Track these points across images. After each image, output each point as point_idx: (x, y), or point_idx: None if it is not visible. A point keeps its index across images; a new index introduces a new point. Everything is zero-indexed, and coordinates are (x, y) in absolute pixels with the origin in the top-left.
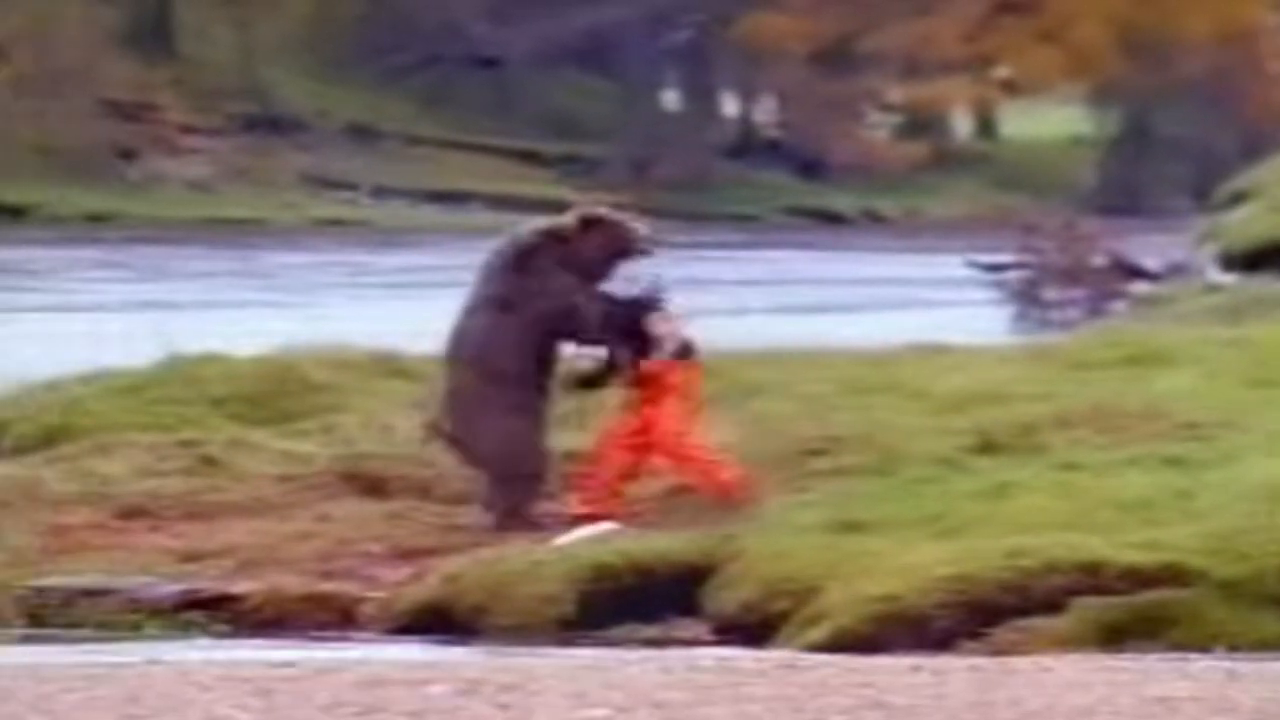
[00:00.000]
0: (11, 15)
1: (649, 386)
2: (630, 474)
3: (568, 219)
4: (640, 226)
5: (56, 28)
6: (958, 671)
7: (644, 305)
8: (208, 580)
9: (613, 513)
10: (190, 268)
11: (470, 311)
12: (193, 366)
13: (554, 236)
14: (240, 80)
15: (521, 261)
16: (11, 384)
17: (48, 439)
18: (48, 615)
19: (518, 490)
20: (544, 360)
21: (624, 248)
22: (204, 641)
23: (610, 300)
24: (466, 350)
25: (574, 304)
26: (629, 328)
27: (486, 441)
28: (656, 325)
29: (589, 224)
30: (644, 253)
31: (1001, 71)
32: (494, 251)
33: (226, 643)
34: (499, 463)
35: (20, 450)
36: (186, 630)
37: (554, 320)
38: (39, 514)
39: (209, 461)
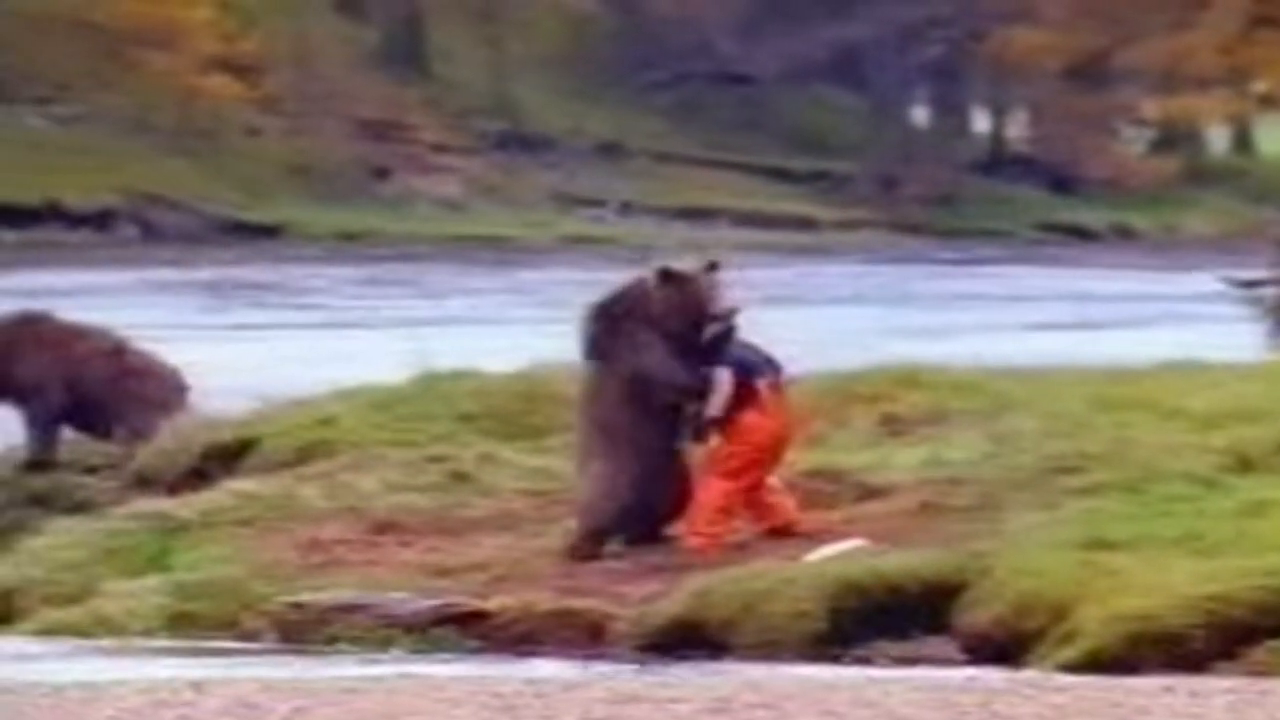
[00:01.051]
0: (268, 37)
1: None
2: (731, 503)
3: (649, 275)
4: (723, 296)
5: (312, 49)
6: (1213, 693)
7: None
8: (459, 596)
9: (719, 542)
10: (442, 285)
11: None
12: (444, 383)
13: (638, 292)
14: (491, 99)
15: (606, 315)
16: (266, 400)
17: (302, 455)
18: (301, 631)
19: (587, 538)
20: (643, 414)
21: (698, 311)
22: (455, 657)
23: (689, 357)
24: (579, 399)
25: (642, 363)
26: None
27: (583, 488)
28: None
29: (667, 281)
30: (721, 320)
31: (1259, 85)
32: (592, 304)
33: (478, 658)
34: (582, 511)
35: (275, 466)
36: (438, 646)
37: (631, 378)
38: (293, 529)
39: (460, 477)
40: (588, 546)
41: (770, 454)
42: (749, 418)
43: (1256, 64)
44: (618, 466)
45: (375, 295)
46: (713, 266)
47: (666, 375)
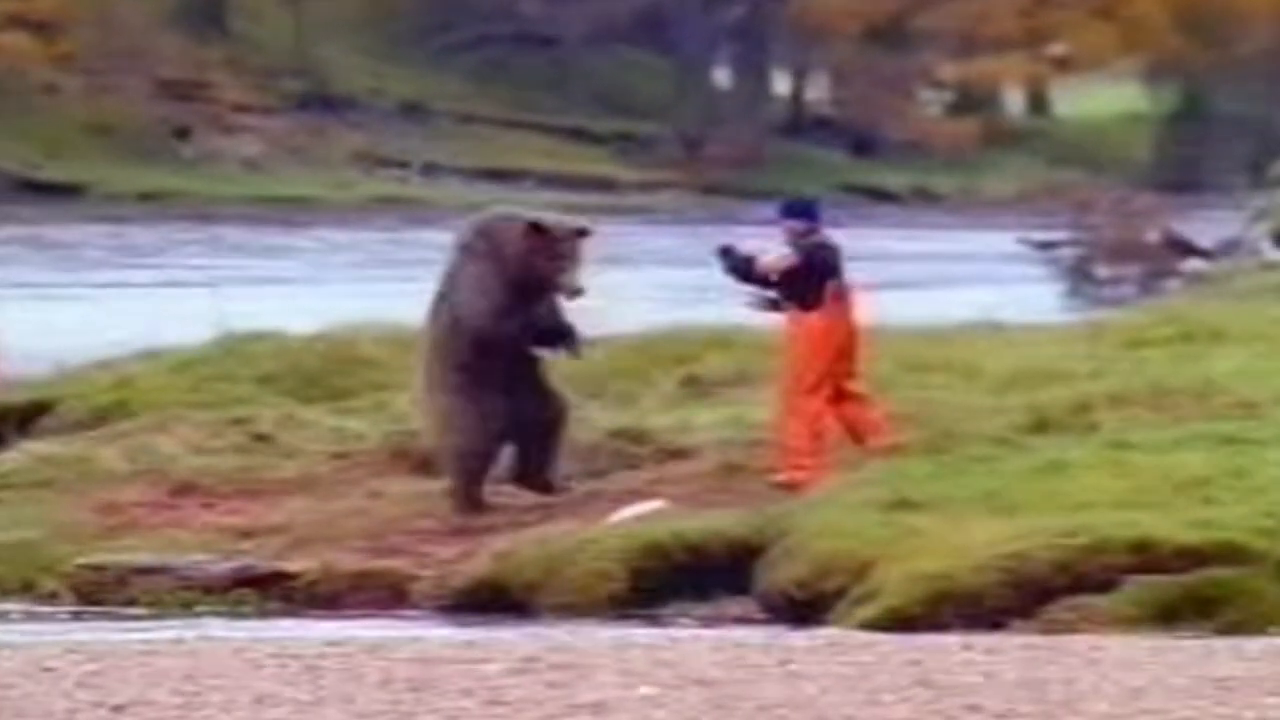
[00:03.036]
0: None
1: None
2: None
3: (519, 219)
4: (577, 268)
5: (112, 7)
6: (1010, 650)
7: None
8: (260, 558)
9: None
10: (244, 246)
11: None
12: (246, 344)
13: (502, 234)
14: (293, 59)
15: (463, 242)
16: (64, 363)
17: (101, 417)
18: (100, 593)
19: (458, 473)
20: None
21: (547, 274)
22: (256, 619)
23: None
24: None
25: (466, 302)
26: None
27: (429, 421)
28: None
29: (534, 233)
30: (565, 294)
31: (1056, 48)
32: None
33: (279, 620)
34: (434, 443)
35: (72, 428)
36: (239, 608)
37: (461, 314)
38: (92, 491)
39: (261, 439)
40: (465, 484)
41: (839, 360)
42: (814, 321)
43: (1053, 27)
44: (460, 399)
45: (176, 256)
46: (581, 233)
47: (482, 321)
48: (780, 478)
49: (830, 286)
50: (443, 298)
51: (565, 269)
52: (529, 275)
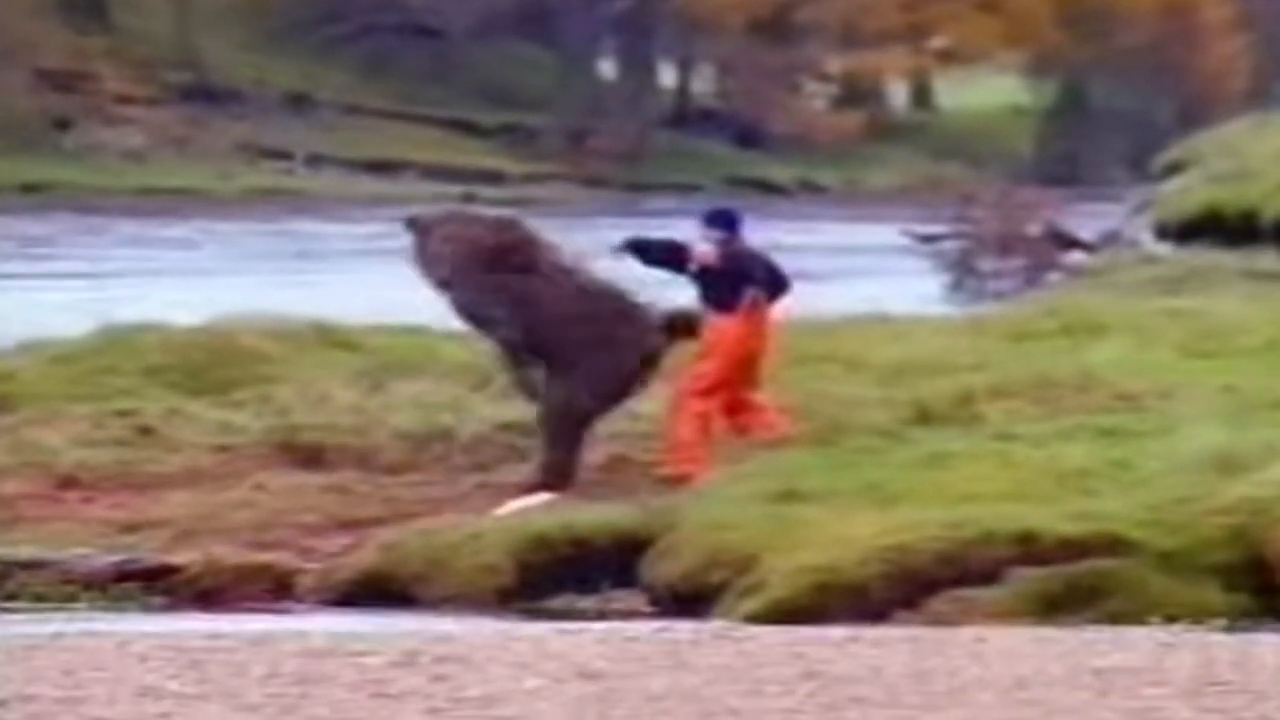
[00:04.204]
0: None
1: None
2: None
3: (484, 220)
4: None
5: None
6: (894, 642)
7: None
8: (144, 552)
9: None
10: (127, 237)
11: None
12: (129, 336)
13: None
14: (176, 50)
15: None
16: None
17: None
18: None
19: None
20: None
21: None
22: (140, 614)
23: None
24: None
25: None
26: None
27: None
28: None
29: (502, 234)
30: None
31: (938, 41)
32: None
33: (163, 615)
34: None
35: None
36: (123, 602)
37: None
38: None
39: (145, 431)
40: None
41: (744, 368)
42: (728, 327)
43: (935, 20)
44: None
45: (58, 248)
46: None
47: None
48: (667, 471)
49: (748, 294)
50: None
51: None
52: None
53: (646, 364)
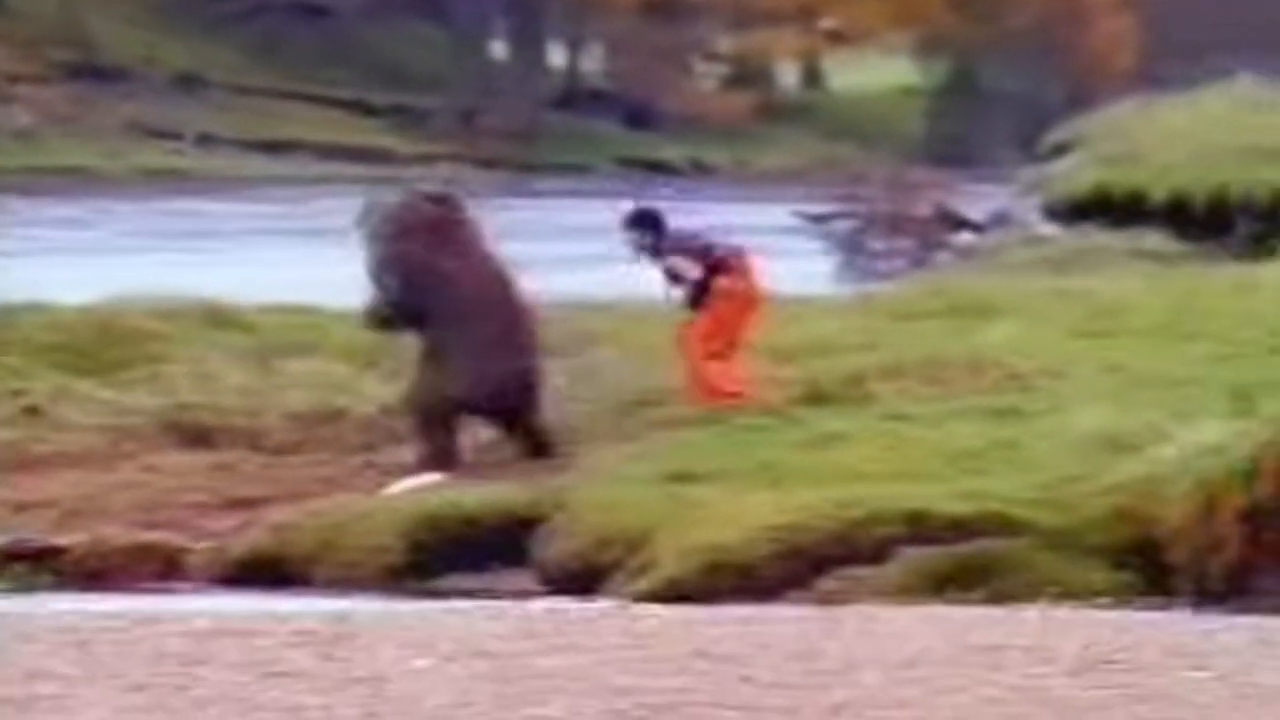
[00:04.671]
0: None
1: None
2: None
3: (430, 193)
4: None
5: None
6: (783, 621)
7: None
8: (31, 532)
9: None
10: (13, 216)
11: None
12: (17, 315)
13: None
14: (63, 28)
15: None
16: None
17: None
18: None
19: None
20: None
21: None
22: (27, 595)
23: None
24: None
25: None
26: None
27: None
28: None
29: (436, 203)
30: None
31: (828, 22)
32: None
33: (50, 595)
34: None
35: None
36: (11, 583)
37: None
38: None
39: (33, 412)
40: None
41: (745, 319)
42: (725, 282)
43: (826, 1)
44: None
45: None
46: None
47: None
48: (703, 402)
49: (717, 285)
50: None
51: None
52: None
53: (528, 376)
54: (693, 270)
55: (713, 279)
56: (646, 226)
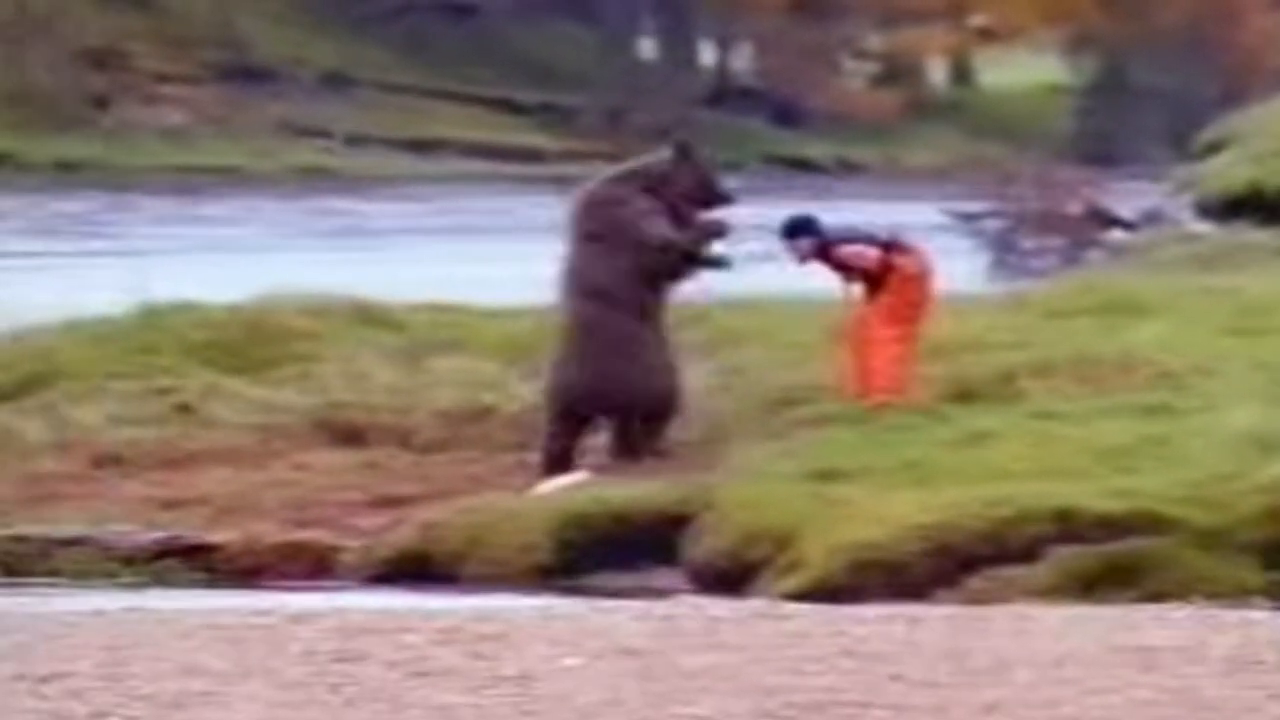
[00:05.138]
0: None
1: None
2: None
3: (659, 156)
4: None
5: None
6: (933, 620)
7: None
8: (184, 529)
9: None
10: (166, 216)
11: (570, 251)
12: (168, 314)
13: (642, 173)
14: (214, 28)
15: (611, 193)
16: None
17: (22, 388)
18: (23, 564)
19: (634, 424)
20: (648, 290)
21: (706, 188)
22: (180, 590)
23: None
24: (570, 285)
25: (651, 231)
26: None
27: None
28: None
29: (683, 156)
30: (725, 202)
31: (978, 19)
32: (585, 189)
33: (203, 591)
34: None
35: None
36: (163, 579)
37: (643, 249)
38: (14, 463)
39: (184, 409)
40: (641, 437)
41: (926, 299)
42: (904, 260)
43: None
44: (637, 348)
45: (96, 226)
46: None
47: (664, 238)
48: (874, 398)
49: (898, 263)
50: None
51: (713, 182)
52: (688, 196)
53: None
54: (869, 253)
55: (890, 261)
56: (805, 232)
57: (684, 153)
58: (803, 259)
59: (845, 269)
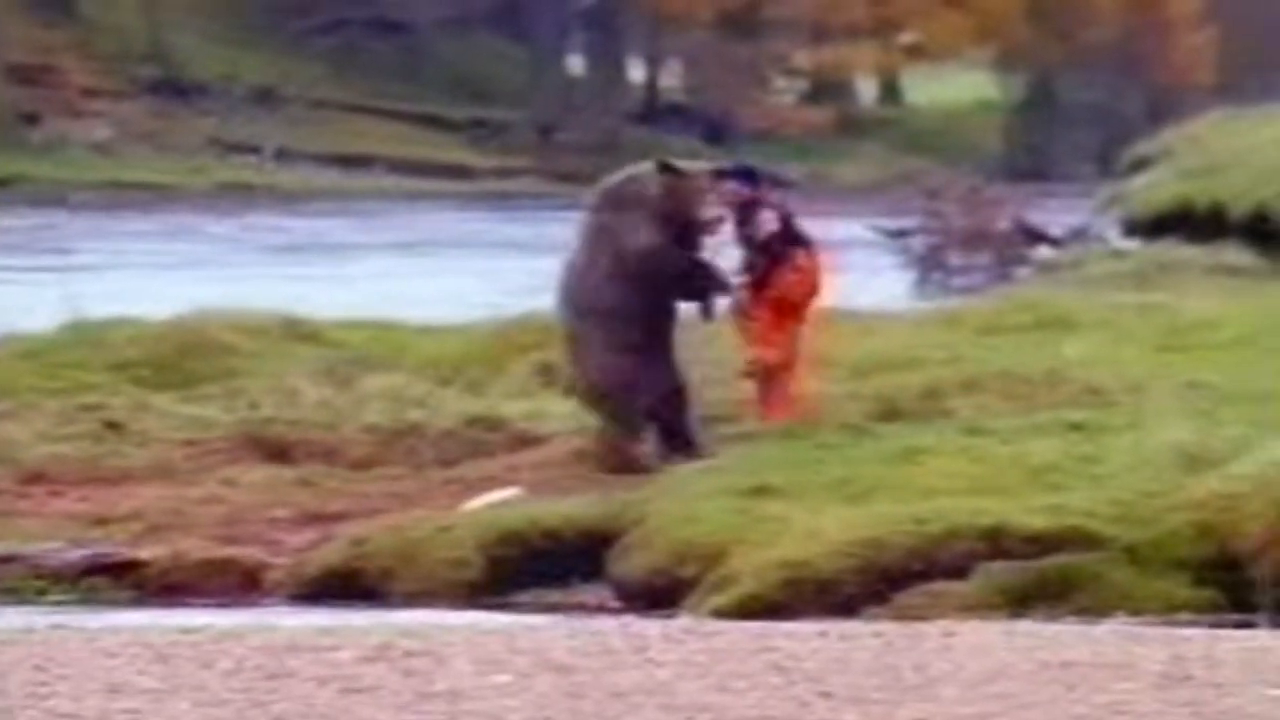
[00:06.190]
0: None
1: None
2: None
3: (648, 168)
4: (712, 203)
5: None
6: (862, 636)
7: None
8: (112, 546)
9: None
10: (95, 231)
11: (572, 257)
12: (97, 330)
13: (642, 183)
14: (143, 43)
15: (612, 202)
16: None
17: None
18: None
19: (621, 428)
20: (648, 298)
21: (690, 208)
22: (108, 607)
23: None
24: (568, 294)
25: (640, 244)
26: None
27: (591, 378)
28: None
29: (666, 172)
30: (708, 226)
31: (907, 36)
32: (590, 197)
33: (131, 609)
34: (601, 400)
35: None
36: (91, 596)
37: (638, 261)
38: None
39: (113, 426)
40: (623, 440)
41: (801, 309)
42: (800, 257)
43: (905, 15)
44: (629, 354)
45: (25, 242)
46: (718, 173)
47: (651, 255)
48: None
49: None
50: (592, 263)
51: (704, 202)
52: (674, 214)
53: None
54: (771, 223)
55: (787, 249)
56: (741, 180)
57: (667, 169)
58: (727, 203)
59: (747, 239)
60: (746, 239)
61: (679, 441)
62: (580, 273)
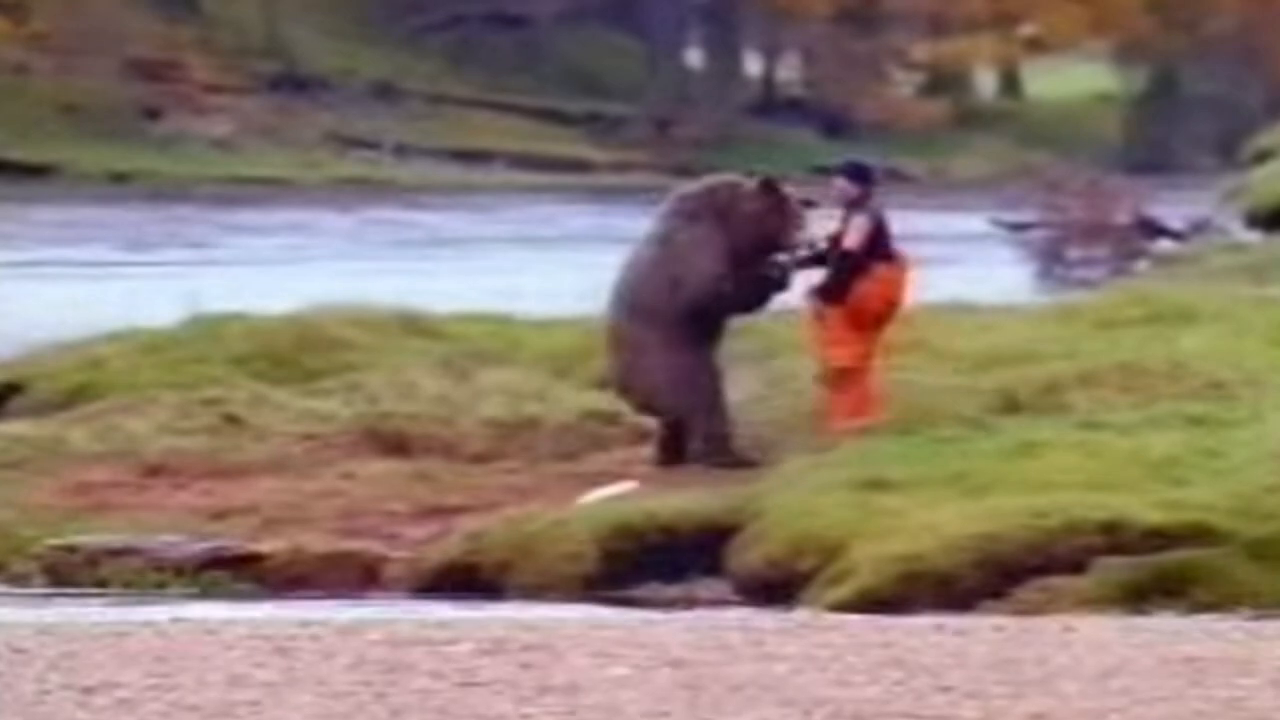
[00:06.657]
0: None
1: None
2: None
3: (750, 181)
4: (802, 231)
5: None
6: (980, 631)
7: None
8: (232, 539)
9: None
10: (215, 226)
11: (634, 255)
12: (216, 325)
13: (723, 192)
14: (264, 39)
15: (686, 208)
16: (34, 344)
17: (71, 398)
18: (71, 574)
19: (701, 426)
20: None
21: (776, 232)
22: (228, 600)
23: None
24: (626, 292)
25: (713, 274)
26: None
27: (647, 381)
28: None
29: (765, 192)
30: (791, 252)
31: (1027, 29)
32: (671, 197)
33: (250, 602)
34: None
35: (43, 409)
36: (210, 589)
37: (695, 284)
38: (63, 472)
39: (232, 420)
40: (716, 435)
41: (880, 320)
42: (863, 286)
43: (1023, 8)
44: (687, 354)
45: (147, 236)
46: (808, 203)
47: (703, 282)
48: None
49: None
50: (656, 262)
51: (797, 227)
52: (760, 236)
53: None
54: (860, 230)
55: (870, 261)
56: (859, 180)
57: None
58: (836, 202)
59: (836, 240)
60: (836, 241)
61: (709, 446)
62: (641, 274)
